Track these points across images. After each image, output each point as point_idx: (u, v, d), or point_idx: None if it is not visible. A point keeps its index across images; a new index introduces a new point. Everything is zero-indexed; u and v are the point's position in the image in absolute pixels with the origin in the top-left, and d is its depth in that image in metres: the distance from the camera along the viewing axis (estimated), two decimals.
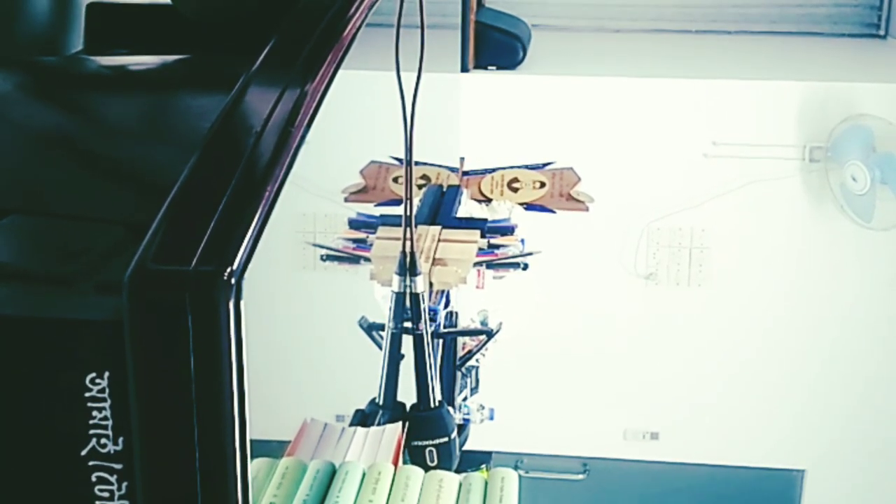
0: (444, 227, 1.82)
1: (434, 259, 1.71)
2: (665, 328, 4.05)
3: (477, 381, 1.99)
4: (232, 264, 0.68)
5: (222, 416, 0.69)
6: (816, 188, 3.87)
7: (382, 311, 1.57)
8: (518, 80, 3.90)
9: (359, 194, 2.06)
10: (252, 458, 0.72)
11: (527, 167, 2.18)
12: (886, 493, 4.15)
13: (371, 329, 1.65)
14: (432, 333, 1.56)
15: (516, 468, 3.58)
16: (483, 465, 2.16)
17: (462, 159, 2.22)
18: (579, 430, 4.18)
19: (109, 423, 0.72)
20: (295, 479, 1.13)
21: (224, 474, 0.71)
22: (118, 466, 0.73)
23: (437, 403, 1.52)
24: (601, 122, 3.89)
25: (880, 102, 3.75)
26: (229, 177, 0.77)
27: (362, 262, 1.71)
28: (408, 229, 1.43)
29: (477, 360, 1.93)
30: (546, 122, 3.88)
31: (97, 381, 0.71)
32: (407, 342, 1.54)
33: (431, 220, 1.86)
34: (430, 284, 1.66)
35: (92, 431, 0.72)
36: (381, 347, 1.56)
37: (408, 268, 1.48)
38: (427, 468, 1.21)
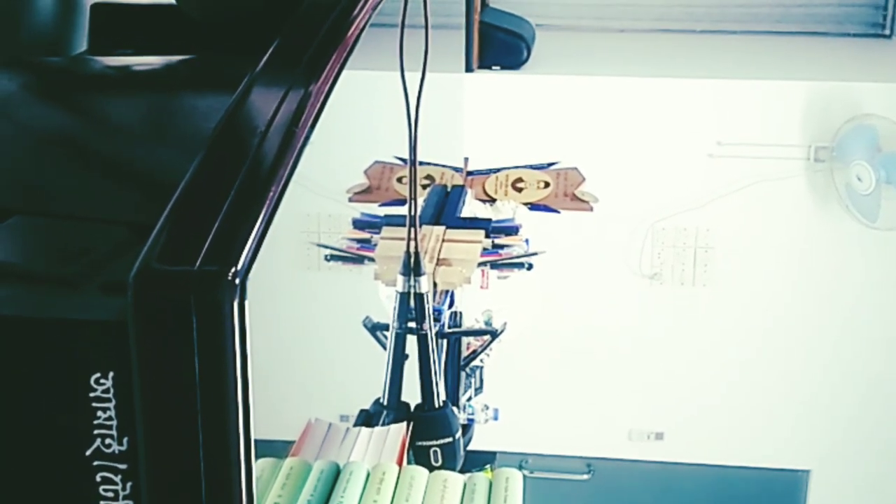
0: (449, 227, 1.82)
1: (438, 259, 1.71)
2: (670, 328, 4.05)
3: (481, 381, 1.99)
4: (236, 264, 0.68)
5: (227, 416, 0.69)
6: (821, 188, 3.87)
7: (387, 312, 1.57)
8: (522, 80, 3.90)
9: (363, 194, 2.06)
10: (256, 457, 0.72)
11: (531, 167, 2.18)
12: (892, 494, 4.15)
13: (375, 329, 1.65)
14: (437, 333, 1.56)
15: (521, 468, 3.58)
16: (487, 466, 2.16)
17: (466, 159, 2.22)
18: (584, 430, 4.18)
19: (114, 423, 0.72)
20: (299, 479, 1.13)
21: (228, 474, 0.71)
22: (123, 466, 0.73)
23: (441, 403, 1.52)
24: (606, 122, 3.89)
25: (885, 102, 3.74)
26: (233, 177, 0.77)
27: (366, 262, 1.71)
28: (412, 229, 1.43)
29: (481, 361, 1.93)
30: (550, 122, 3.88)
31: (102, 381, 0.71)
32: (411, 342, 1.53)
33: (436, 220, 1.86)
34: (435, 284, 1.66)
35: (96, 431, 0.72)
36: (385, 347, 1.56)
37: (412, 268, 1.47)
38: (431, 468, 1.21)
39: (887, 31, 4.29)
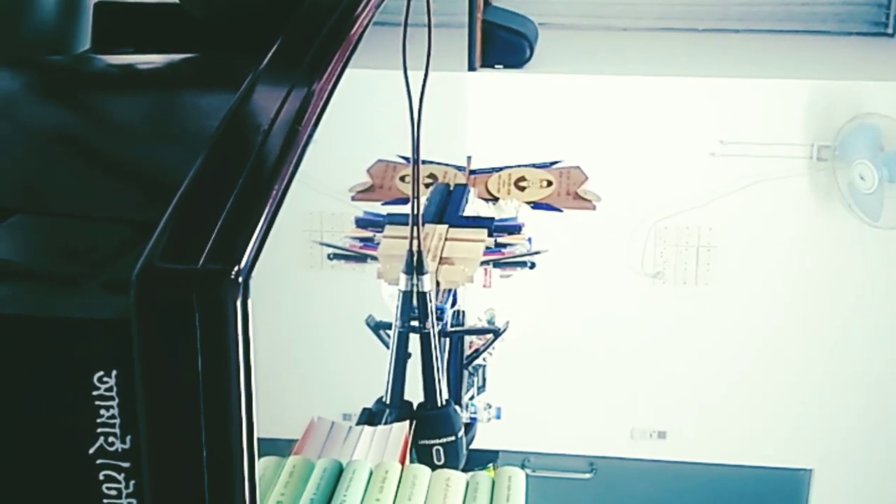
0: (452, 225, 1.82)
1: (441, 258, 1.71)
2: (672, 327, 4.05)
3: (484, 379, 1.99)
4: (239, 263, 0.68)
5: (229, 415, 0.69)
6: (824, 187, 3.86)
7: (389, 310, 1.57)
8: (525, 79, 3.90)
9: (366, 193, 2.06)
10: (259, 456, 0.72)
11: (534, 166, 2.18)
12: (894, 492, 4.14)
13: (378, 328, 1.65)
14: (439, 332, 1.56)
15: (523, 467, 3.58)
16: (490, 464, 2.15)
17: (469, 158, 2.22)
18: (586, 429, 4.18)
19: (117, 421, 0.72)
20: (302, 478, 1.13)
21: (231, 473, 0.71)
22: (126, 465, 0.73)
23: (444, 402, 1.52)
24: (608, 121, 3.89)
25: (888, 101, 3.74)
26: (237, 176, 0.77)
27: (369, 260, 1.71)
28: (415, 228, 1.43)
29: (484, 359, 1.93)
30: (553, 120, 3.88)
31: (105, 379, 0.71)
32: (414, 341, 1.54)
33: (438, 219, 1.86)
34: (437, 283, 1.66)
35: (100, 430, 0.73)
36: (388, 346, 1.56)
37: (415, 266, 1.48)
38: (434, 467, 1.21)
39: (890, 30, 4.29)
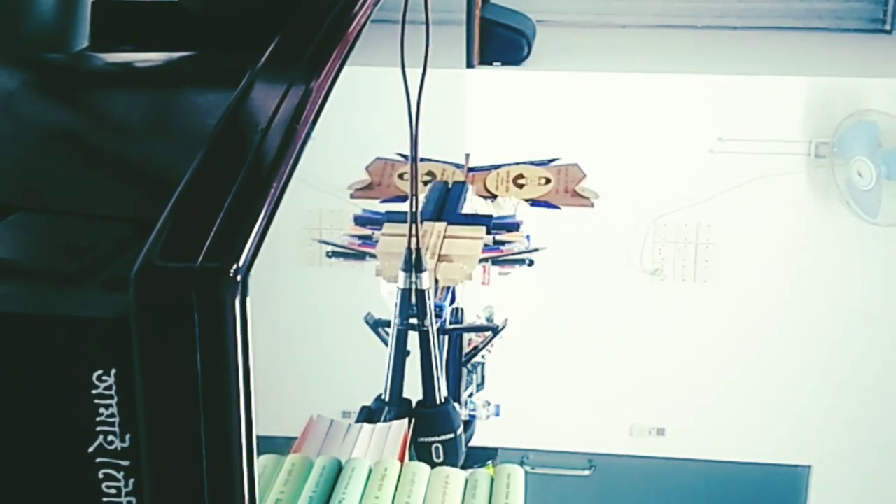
0: (450, 223, 1.82)
1: (440, 255, 1.70)
2: (671, 324, 4.05)
3: (483, 377, 1.99)
4: (238, 261, 0.68)
5: (229, 413, 0.69)
6: (822, 184, 3.87)
7: (388, 308, 1.57)
8: (523, 76, 3.90)
9: (364, 191, 2.06)
10: (258, 454, 0.72)
11: (532, 163, 2.17)
12: (893, 489, 4.15)
13: (377, 325, 1.65)
14: (438, 330, 1.55)
15: (522, 464, 3.59)
16: (489, 462, 2.16)
17: (467, 155, 2.22)
18: (585, 426, 4.18)
19: (116, 419, 0.72)
20: (301, 476, 1.13)
21: (231, 471, 0.71)
22: (125, 463, 0.73)
23: (443, 400, 1.52)
24: (606, 118, 3.89)
25: (886, 98, 3.74)
26: (235, 173, 0.77)
27: (368, 258, 1.71)
28: (413, 226, 1.43)
29: (483, 357, 1.93)
30: (551, 118, 3.88)
31: (104, 377, 0.71)
32: (413, 339, 1.53)
33: (437, 217, 1.86)
34: (436, 281, 1.66)
35: (99, 428, 0.73)
36: (386, 344, 1.56)
37: (413, 264, 1.47)
38: (433, 464, 1.21)
39: (888, 27, 4.29)
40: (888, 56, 4.15)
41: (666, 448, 4.19)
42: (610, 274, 4.02)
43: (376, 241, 1.72)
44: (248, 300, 0.68)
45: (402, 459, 1.25)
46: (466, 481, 1.17)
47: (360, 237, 1.76)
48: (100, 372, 0.71)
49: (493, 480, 1.17)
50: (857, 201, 3.77)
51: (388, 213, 1.82)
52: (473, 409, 1.92)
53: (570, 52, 4.17)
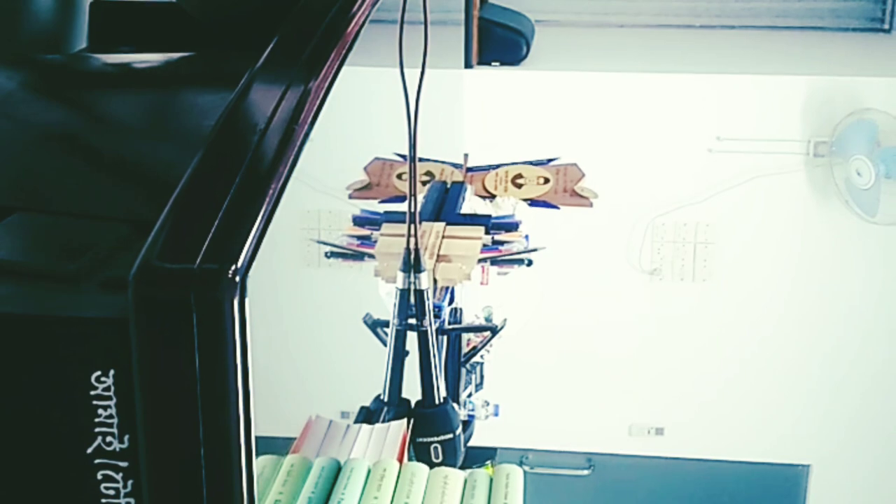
0: (449, 223, 1.82)
1: (438, 255, 1.70)
2: (669, 323, 4.05)
3: (482, 377, 1.99)
4: (236, 262, 0.68)
5: (227, 414, 0.69)
6: (821, 183, 3.87)
7: (387, 308, 1.57)
8: (521, 76, 3.90)
9: (363, 191, 2.06)
10: (257, 455, 0.72)
11: (531, 163, 2.17)
12: (893, 489, 4.15)
13: (375, 326, 1.65)
14: (437, 330, 1.55)
15: (521, 464, 3.58)
16: (488, 462, 2.16)
17: (466, 155, 2.22)
18: (584, 425, 4.18)
19: (115, 420, 0.72)
20: (300, 477, 1.13)
21: (229, 472, 0.71)
22: (124, 464, 0.73)
23: (441, 400, 1.52)
24: (605, 118, 3.89)
25: (885, 97, 3.74)
26: (233, 174, 0.77)
27: (366, 258, 1.71)
28: (412, 226, 1.43)
29: (482, 357, 1.93)
30: (550, 117, 3.88)
31: (102, 379, 0.71)
32: (411, 339, 1.53)
33: (436, 217, 1.86)
34: (435, 281, 1.66)
35: (97, 429, 0.72)
36: (385, 344, 1.56)
37: (412, 264, 1.47)
38: (432, 465, 1.21)
39: (886, 26, 4.29)
40: (887, 55, 4.15)
41: (665, 447, 4.19)
42: (609, 274, 4.02)
43: (375, 242, 1.72)
44: (247, 301, 0.68)
45: (400, 460, 1.25)
46: (465, 481, 1.17)
47: (358, 237, 1.76)
48: (98, 373, 0.71)
49: (492, 480, 1.17)
50: (855, 200, 3.77)
51: (386, 213, 1.82)
52: (472, 409, 1.92)
53: (569, 51, 4.17)
